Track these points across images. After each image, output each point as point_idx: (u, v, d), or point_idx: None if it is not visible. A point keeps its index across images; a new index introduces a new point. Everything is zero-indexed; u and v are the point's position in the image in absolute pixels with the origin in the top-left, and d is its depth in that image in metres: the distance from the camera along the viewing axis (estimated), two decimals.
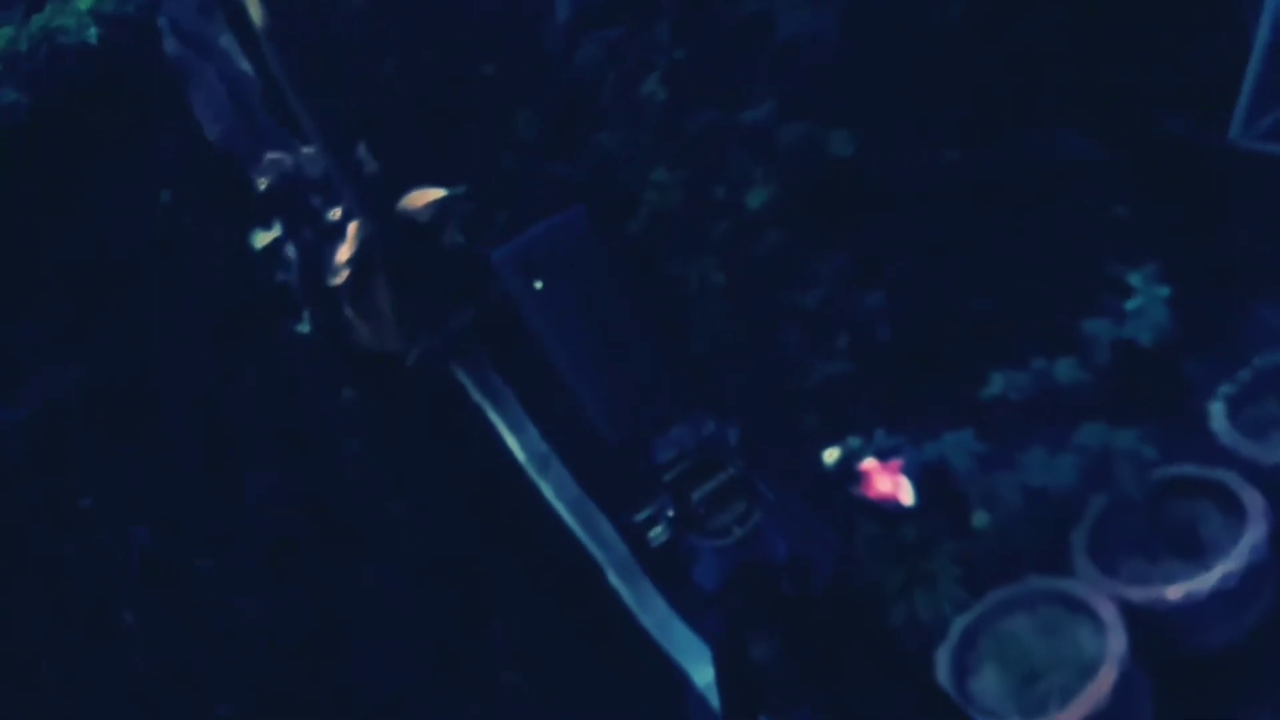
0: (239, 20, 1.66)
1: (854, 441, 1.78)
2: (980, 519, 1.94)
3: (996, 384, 1.96)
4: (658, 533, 1.02)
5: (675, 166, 2.10)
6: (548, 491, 1.84)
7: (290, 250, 1.64)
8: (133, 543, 2.14)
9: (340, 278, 1.56)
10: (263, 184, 1.61)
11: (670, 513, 1.03)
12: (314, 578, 2.23)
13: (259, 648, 2.21)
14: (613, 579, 2.04)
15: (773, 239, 2.25)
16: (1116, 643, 1.84)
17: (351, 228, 1.55)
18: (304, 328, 1.71)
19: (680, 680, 2.16)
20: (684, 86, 2.11)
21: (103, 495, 2.11)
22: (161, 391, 2.08)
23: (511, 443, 1.76)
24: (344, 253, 1.56)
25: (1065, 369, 1.94)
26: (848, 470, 1.74)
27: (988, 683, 1.95)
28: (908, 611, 2.18)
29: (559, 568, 2.08)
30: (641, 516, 0.98)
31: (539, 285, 1.03)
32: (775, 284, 2.23)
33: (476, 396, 1.64)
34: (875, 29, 2.35)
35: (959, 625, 2.04)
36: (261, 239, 1.65)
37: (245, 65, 1.68)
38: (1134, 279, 1.97)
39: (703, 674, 2.12)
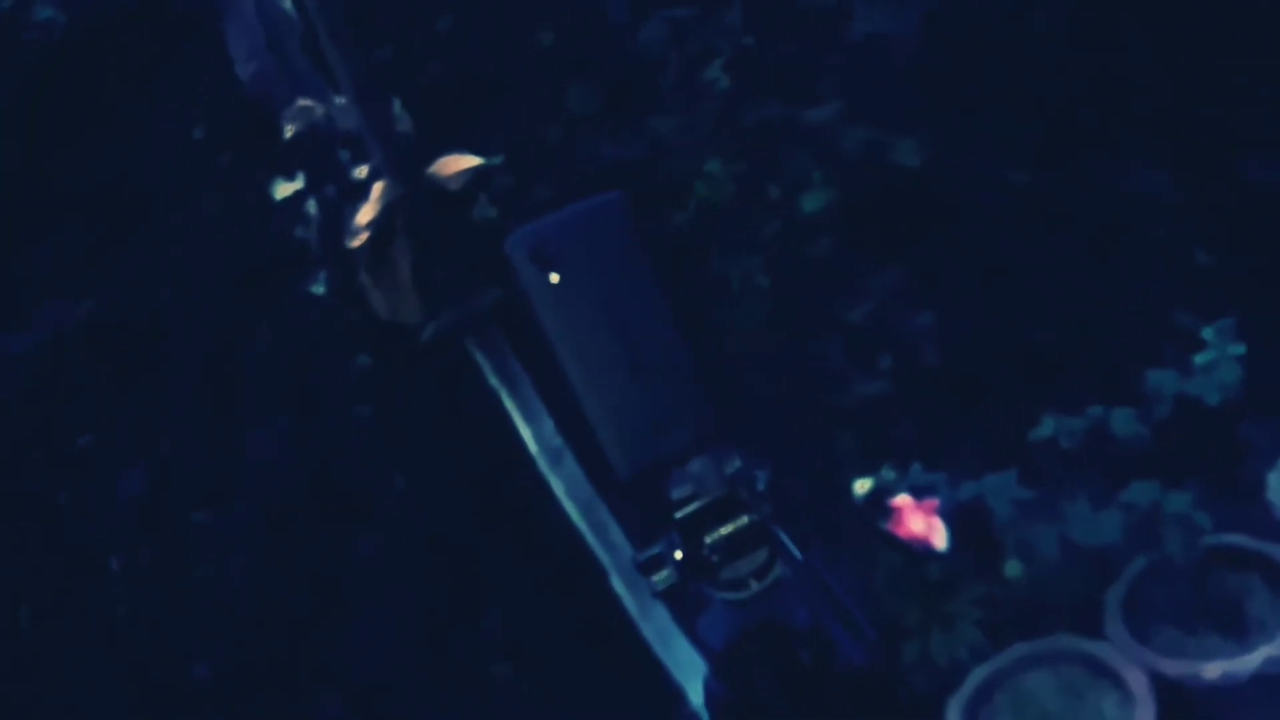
0: None
1: (888, 473, 1.65)
2: (1013, 568, 1.82)
3: (1046, 427, 1.83)
4: (663, 577, 0.89)
5: (730, 159, 2.00)
6: (558, 487, 1.73)
7: (311, 205, 1.54)
8: (128, 488, 2.08)
9: (358, 240, 1.45)
10: (289, 131, 1.51)
11: (678, 554, 0.89)
12: (309, 544, 2.16)
13: (245, 610, 2.14)
14: (616, 584, 1.94)
15: (824, 246, 2.14)
16: (1144, 718, 1.72)
17: (376, 188, 1.44)
18: (319, 289, 1.62)
19: (675, 694, 2.07)
20: (748, 76, 2.00)
21: (102, 435, 2.04)
22: (171, 336, 2.01)
23: (525, 433, 1.66)
24: (365, 214, 1.45)
25: (1122, 420, 1.81)
26: (878, 503, 1.61)
27: None
28: (921, 650, 2.08)
29: (561, 565, 1.99)
30: (645, 556, 0.86)
31: (556, 279, 0.89)
32: (821, 293, 2.13)
33: (492, 380, 1.53)
34: (957, 37, 2.25)
35: (976, 675, 1.92)
36: (282, 190, 1.55)
37: (287, 3, 1.57)
38: (1207, 332, 1.83)
39: (698, 692, 2.02)
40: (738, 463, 0.90)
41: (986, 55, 2.27)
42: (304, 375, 2.04)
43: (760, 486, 0.90)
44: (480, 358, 1.61)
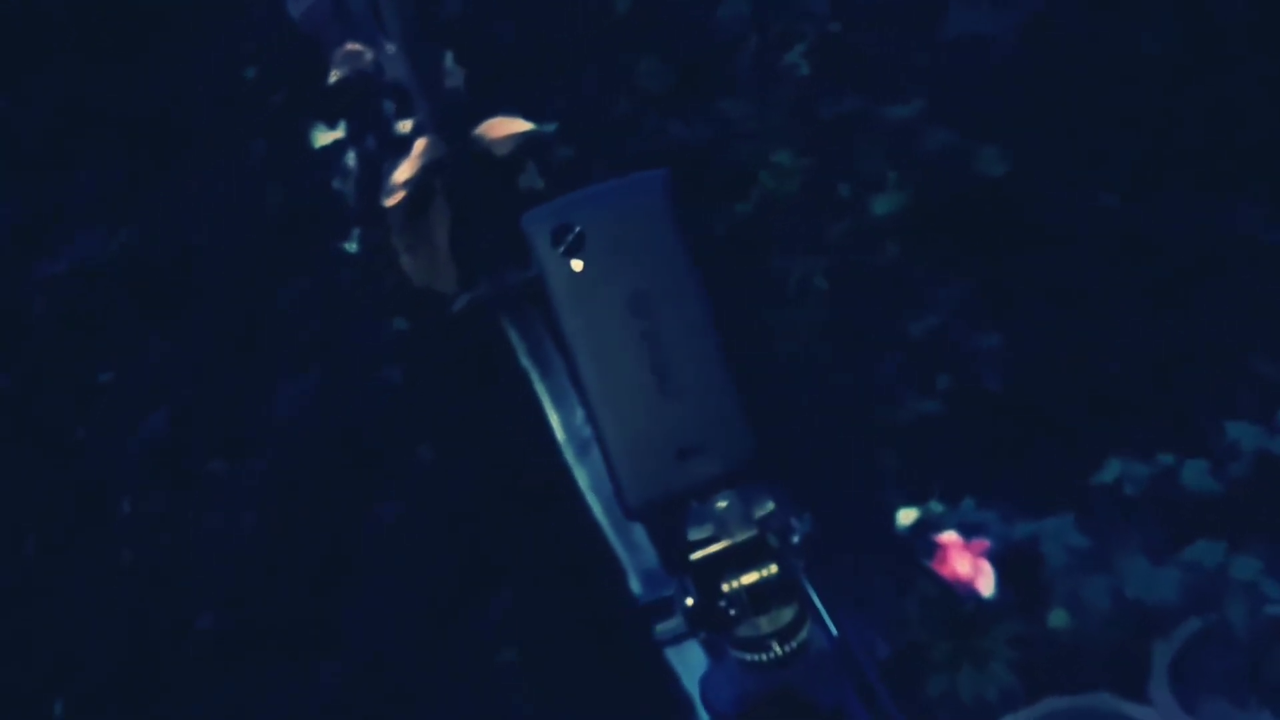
0: None
1: (936, 506, 1.54)
2: (1058, 618, 1.71)
3: (1111, 471, 1.71)
4: (669, 626, 0.75)
5: (801, 151, 1.88)
6: (582, 479, 1.64)
7: (350, 157, 1.45)
8: (147, 429, 2.02)
9: (394, 199, 1.36)
10: (335, 76, 1.42)
11: (690, 601, 0.74)
12: (326, 507, 2.10)
13: (252, 567, 2.08)
14: (634, 585, 1.84)
15: (892, 252, 2.03)
16: None
17: (418, 145, 1.35)
18: (351, 246, 1.53)
19: (684, 701, 1.99)
20: (830, 65, 1.89)
21: (124, 373, 1.99)
22: (204, 278, 1.94)
23: (553, 419, 1.57)
24: (403, 171, 1.36)
25: (1194, 473, 1.69)
26: (923, 538, 1.50)
27: None
28: (948, 686, 1.97)
29: (578, 559, 1.90)
30: (650, 599, 0.72)
31: (580, 266, 0.75)
32: (883, 302, 2.02)
33: (524, 362, 1.43)
34: (1058, 45, 2.12)
35: None
36: (321, 137, 1.46)
37: None
38: None
39: None
40: (771, 505, 0.74)
41: (1087, 69, 2.15)
42: (336, 333, 1.97)
43: (796, 539, 0.75)
44: (514, 336, 1.52)
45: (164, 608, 2.09)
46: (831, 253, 1.96)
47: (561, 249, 0.69)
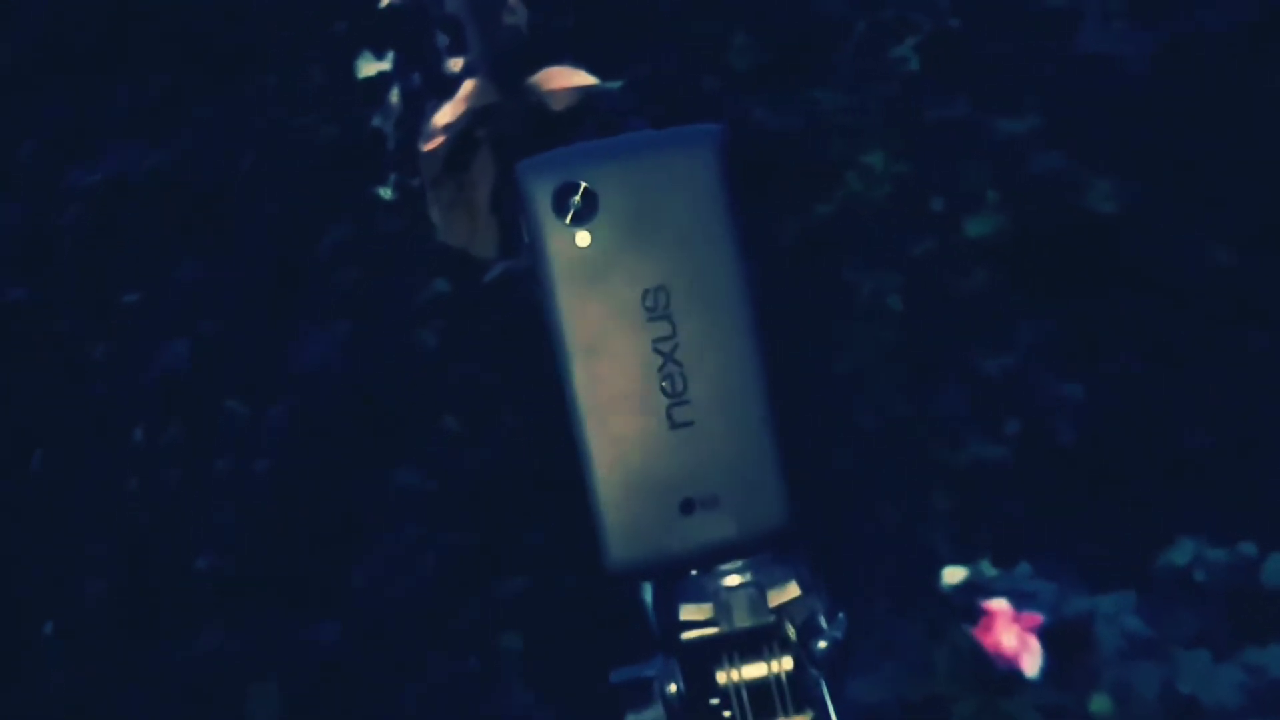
0: None
1: (988, 568, 1.38)
2: (1101, 703, 1.56)
3: (1183, 552, 1.55)
4: (644, 718, 0.55)
5: (895, 155, 1.73)
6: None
7: (394, 93, 1.31)
8: (167, 358, 1.94)
9: (432, 143, 1.22)
10: (385, 1, 1.28)
11: (673, 688, 0.55)
12: (341, 463, 2.01)
13: (259, 515, 2.00)
14: (645, 591, 1.71)
15: (978, 279, 1.87)
16: None
17: (466, 87, 1.20)
18: (386, 192, 1.40)
19: None
20: (943, 64, 1.73)
21: (150, 296, 1.90)
22: (243, 208, 1.85)
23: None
24: (446, 114, 1.21)
25: (1278, 569, 1.52)
26: (969, 600, 1.35)
27: None
28: None
29: (594, 553, 1.78)
30: (623, 677, 0.55)
31: (585, 240, 0.55)
32: (960, 332, 1.86)
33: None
34: (1195, 78, 1.95)
35: None
36: (366, 67, 1.33)
37: None
38: None
39: None
40: (796, 589, 0.55)
41: (1223, 109, 1.97)
42: (373, 287, 1.86)
43: (822, 645, 0.55)
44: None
45: (165, 542, 2.02)
46: (911, 271, 1.81)
47: (566, 215, 0.52)
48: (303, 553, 2.04)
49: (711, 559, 0.52)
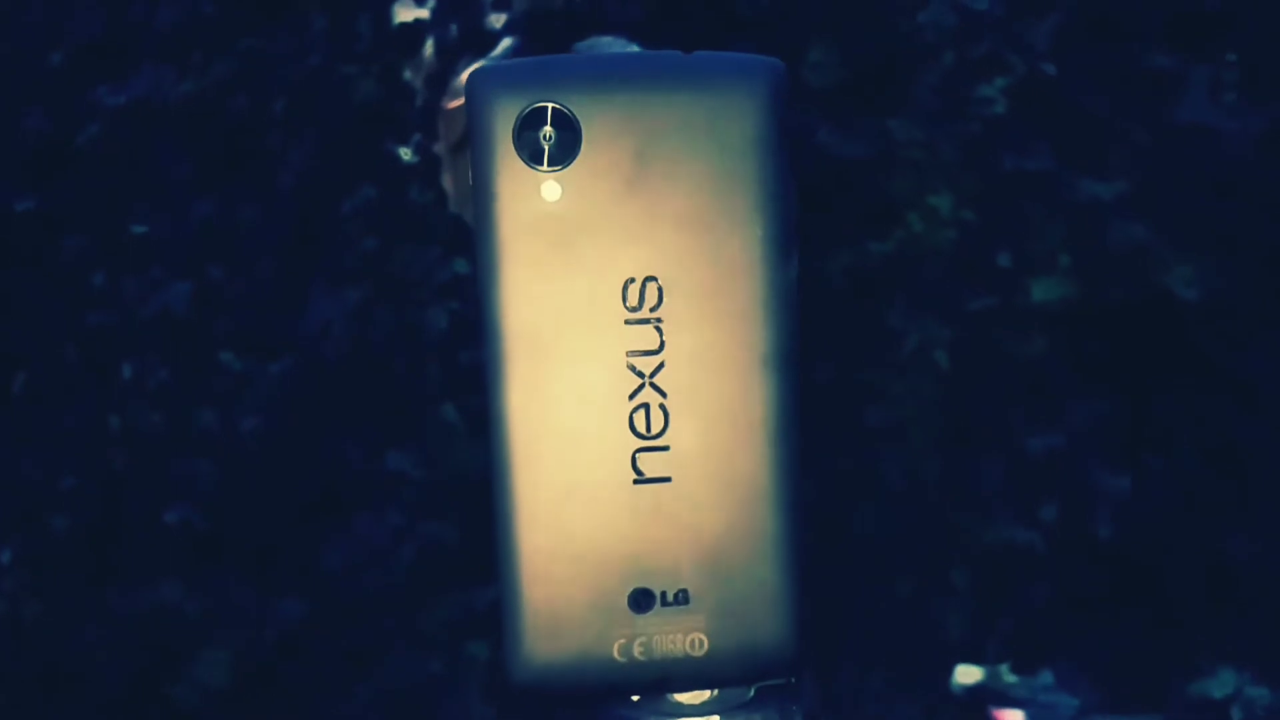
0: None
1: (1007, 673, 1.24)
2: None
3: (1223, 683, 1.40)
4: None
5: (965, 200, 1.59)
6: None
7: (429, 45, 1.19)
8: (168, 297, 1.84)
9: (456, 102, 1.09)
10: None
11: None
12: (332, 437, 1.90)
13: (240, 477, 1.89)
14: None
15: (1036, 347, 1.73)
16: None
17: (502, 45, 1.09)
18: (406, 153, 1.28)
19: None
20: (1030, 110, 1.59)
21: (159, 231, 1.80)
22: (269, 152, 1.74)
23: None
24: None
25: None
26: (982, 704, 1.21)
27: None
28: None
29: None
30: None
31: (554, 194, 0.40)
32: (1006, 402, 1.72)
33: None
34: None
35: None
36: (403, 13, 1.21)
37: None
38: None
39: None
40: None
41: None
42: (391, 255, 1.74)
43: None
44: None
45: (137, 489, 1.92)
46: (965, 327, 1.66)
47: (531, 153, 0.36)
48: (277, 522, 1.93)
49: (666, 684, 0.37)
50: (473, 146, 0.41)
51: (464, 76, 1.10)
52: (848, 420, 1.54)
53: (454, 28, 1.16)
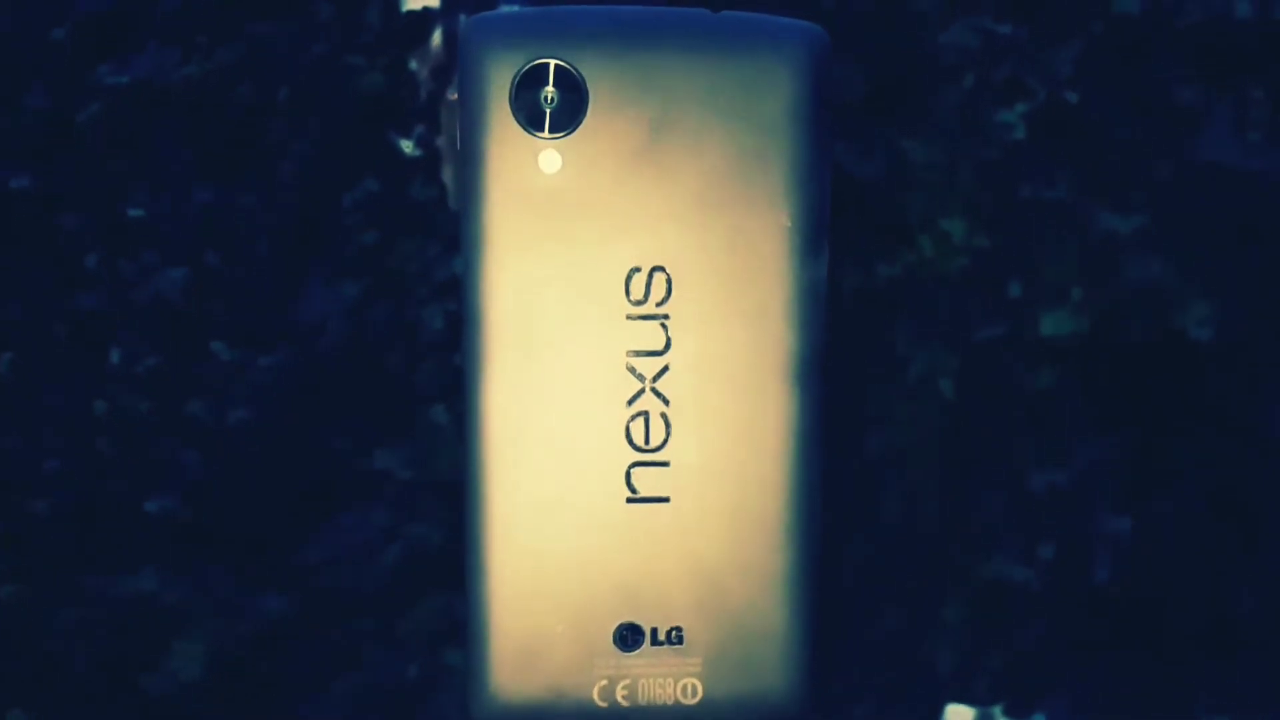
0: None
1: (999, 715, 1.21)
2: None
3: None
4: None
5: (977, 227, 1.55)
6: None
7: (437, 34, 1.16)
8: (161, 283, 1.81)
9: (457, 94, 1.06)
10: None
11: None
12: (323, 433, 1.87)
13: (225, 469, 1.86)
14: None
15: (1044, 381, 1.69)
16: None
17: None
18: (408, 146, 1.25)
19: None
20: (1050, 138, 1.55)
21: (155, 215, 1.77)
22: (271, 141, 1.71)
23: None
24: None
25: None
26: None
27: None
28: None
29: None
30: None
31: (553, 165, 0.32)
32: (1009, 436, 1.68)
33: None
34: None
35: None
36: (413, 0, 1.17)
37: None
38: None
39: None
40: None
41: None
42: (391, 252, 1.71)
43: None
44: None
45: (119, 476, 1.89)
46: (971, 356, 1.63)
47: (530, 117, 0.32)
48: (260, 517, 1.90)
49: None
50: (462, 106, 0.37)
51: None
52: (845, 446, 1.51)
53: (464, 18, 1.13)
